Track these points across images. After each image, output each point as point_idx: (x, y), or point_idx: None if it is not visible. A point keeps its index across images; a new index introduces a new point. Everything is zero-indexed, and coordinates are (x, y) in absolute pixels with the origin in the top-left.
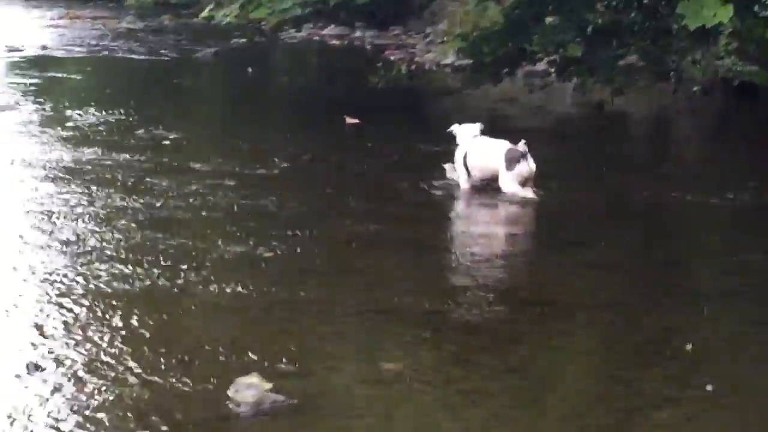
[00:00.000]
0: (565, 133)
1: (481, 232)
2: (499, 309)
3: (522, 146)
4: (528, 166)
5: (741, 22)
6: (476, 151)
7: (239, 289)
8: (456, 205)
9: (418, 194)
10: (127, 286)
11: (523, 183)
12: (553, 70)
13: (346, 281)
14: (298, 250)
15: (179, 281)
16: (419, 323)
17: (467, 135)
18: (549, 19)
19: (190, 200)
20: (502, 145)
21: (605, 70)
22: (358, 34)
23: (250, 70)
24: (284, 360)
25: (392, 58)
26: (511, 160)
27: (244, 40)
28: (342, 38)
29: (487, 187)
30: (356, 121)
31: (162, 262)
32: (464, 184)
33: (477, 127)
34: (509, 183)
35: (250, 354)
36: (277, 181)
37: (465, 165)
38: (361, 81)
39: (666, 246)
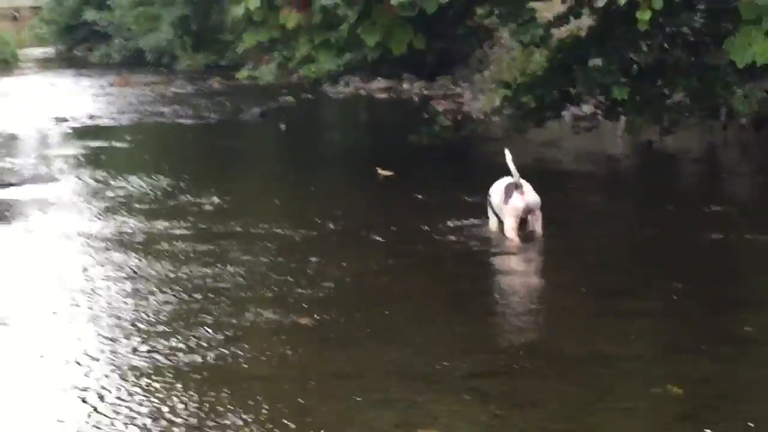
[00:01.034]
0: (615, 175)
1: (523, 284)
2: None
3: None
4: (522, 199)
5: None
6: (495, 192)
7: (277, 358)
8: (492, 255)
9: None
10: (166, 360)
11: (522, 218)
12: (599, 111)
13: (383, 346)
14: (335, 315)
15: (217, 352)
16: (459, 387)
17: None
18: (594, 61)
19: (228, 266)
20: (504, 181)
21: (652, 109)
22: (405, 86)
23: (283, 126)
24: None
25: (439, 108)
26: (507, 193)
27: (290, 98)
28: (389, 91)
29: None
30: (389, 173)
31: (201, 333)
32: (494, 228)
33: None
34: (504, 219)
35: (276, 424)
36: (313, 244)
37: (493, 210)
38: (404, 134)
39: (721, 290)
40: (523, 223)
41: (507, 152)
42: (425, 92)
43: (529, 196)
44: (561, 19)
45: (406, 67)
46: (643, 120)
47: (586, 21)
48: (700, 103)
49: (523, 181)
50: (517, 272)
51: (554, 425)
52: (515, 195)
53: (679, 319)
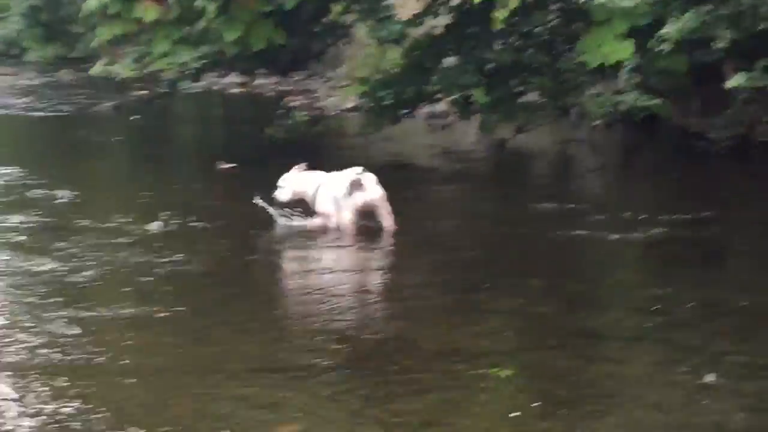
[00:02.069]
0: (465, 172)
1: (377, 280)
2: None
3: None
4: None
5: (642, 56)
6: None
7: (132, 351)
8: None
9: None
10: (18, 357)
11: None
12: (455, 109)
13: (241, 338)
14: (193, 307)
15: (71, 347)
16: (318, 382)
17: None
18: (448, 60)
19: (80, 260)
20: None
21: (506, 107)
22: (259, 81)
23: (132, 117)
24: (172, 425)
25: (293, 104)
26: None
27: (144, 92)
28: (243, 86)
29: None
30: (231, 165)
31: (54, 328)
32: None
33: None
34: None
35: (132, 420)
36: (160, 237)
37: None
38: (258, 128)
39: (570, 286)
40: (370, 217)
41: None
42: (280, 88)
43: (373, 190)
44: (418, 18)
45: (261, 63)
46: (497, 118)
47: (442, 20)
48: (553, 102)
49: (368, 174)
50: (371, 268)
51: (413, 418)
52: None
53: (534, 315)
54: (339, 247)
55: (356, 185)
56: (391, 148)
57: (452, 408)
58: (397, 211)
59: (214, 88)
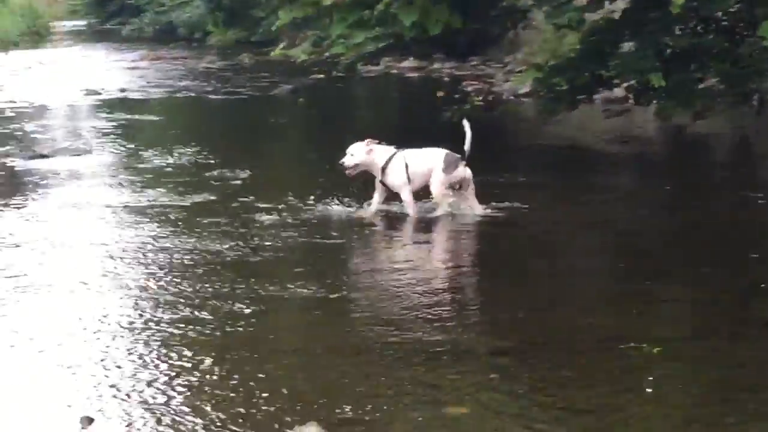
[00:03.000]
0: (641, 158)
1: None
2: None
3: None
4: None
5: None
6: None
7: (301, 333)
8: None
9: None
10: (185, 330)
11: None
12: (631, 95)
13: (412, 324)
14: (366, 291)
15: (243, 326)
16: (485, 365)
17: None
18: (626, 45)
19: (255, 241)
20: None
21: (684, 94)
22: (436, 65)
23: (301, 100)
24: (344, 407)
25: (469, 88)
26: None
27: (321, 76)
28: (420, 70)
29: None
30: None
31: (227, 306)
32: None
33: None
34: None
35: (309, 400)
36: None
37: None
38: (433, 112)
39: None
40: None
41: (466, 123)
42: (456, 72)
43: (467, 169)
44: (596, 3)
45: (438, 47)
46: (674, 104)
47: (620, 5)
48: (733, 88)
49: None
50: (540, 252)
51: (583, 405)
52: (460, 166)
53: (709, 304)
54: (514, 230)
55: (452, 163)
56: (567, 134)
57: (623, 395)
58: (571, 196)
59: (392, 72)
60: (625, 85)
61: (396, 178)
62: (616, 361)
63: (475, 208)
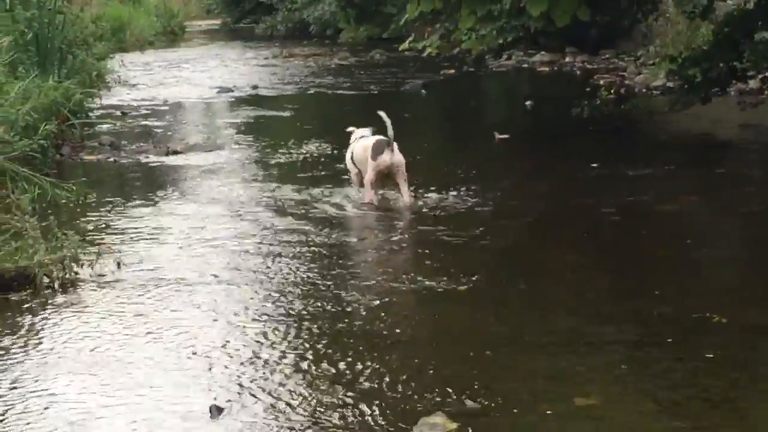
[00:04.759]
0: None
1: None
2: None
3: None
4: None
5: None
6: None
7: (428, 323)
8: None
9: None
10: (313, 323)
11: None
12: (766, 87)
13: (539, 313)
14: (491, 280)
15: (367, 316)
16: (616, 355)
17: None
18: (761, 35)
19: (370, 231)
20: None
21: None
22: (568, 59)
23: (423, 92)
24: (472, 398)
25: (601, 82)
26: (376, 149)
27: (452, 71)
28: (551, 64)
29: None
30: (504, 136)
31: (350, 297)
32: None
33: (368, 130)
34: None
35: (436, 391)
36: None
37: (352, 161)
38: (565, 107)
39: None
40: (386, 180)
41: (383, 113)
42: (588, 66)
43: (397, 155)
44: None
45: (569, 41)
46: None
47: None
48: None
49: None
50: (666, 239)
51: (712, 396)
52: (386, 152)
53: None
54: (628, 218)
55: (380, 148)
56: (700, 127)
57: (750, 388)
58: (704, 187)
59: (523, 66)
60: (760, 77)
61: (349, 166)
62: (746, 352)
63: (404, 195)
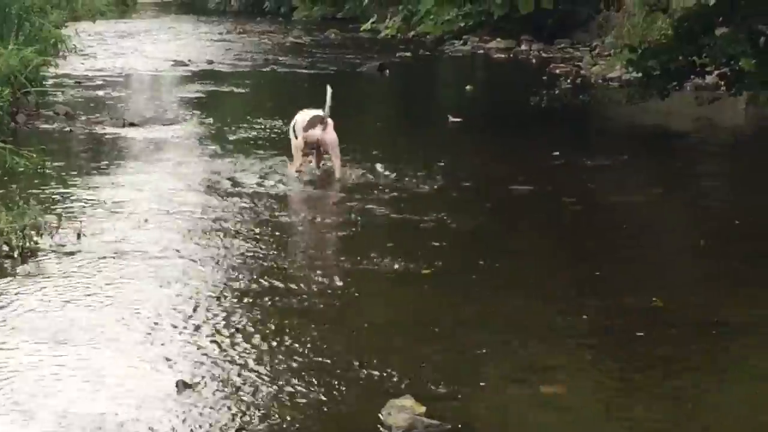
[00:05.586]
0: (732, 146)
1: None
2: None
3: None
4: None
5: None
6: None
7: (395, 307)
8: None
9: None
10: (279, 303)
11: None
12: (723, 83)
13: (504, 297)
14: (456, 264)
15: (335, 299)
16: (582, 342)
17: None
18: (720, 30)
19: (344, 214)
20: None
21: None
22: (523, 47)
23: (387, 72)
24: (439, 381)
25: (557, 71)
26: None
27: (408, 54)
28: (507, 51)
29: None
30: (457, 119)
31: (318, 279)
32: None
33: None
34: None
35: (404, 374)
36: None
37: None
38: (519, 96)
39: None
40: (319, 156)
41: (329, 88)
42: (543, 55)
43: (329, 133)
44: None
45: (527, 29)
46: (766, 93)
47: None
48: None
49: (329, 120)
50: (640, 232)
51: (680, 393)
52: (318, 127)
53: None
54: (614, 209)
55: (314, 122)
56: (656, 120)
57: (716, 384)
58: (663, 180)
59: (479, 52)
60: (717, 72)
61: (290, 136)
62: (710, 346)
63: (336, 171)
